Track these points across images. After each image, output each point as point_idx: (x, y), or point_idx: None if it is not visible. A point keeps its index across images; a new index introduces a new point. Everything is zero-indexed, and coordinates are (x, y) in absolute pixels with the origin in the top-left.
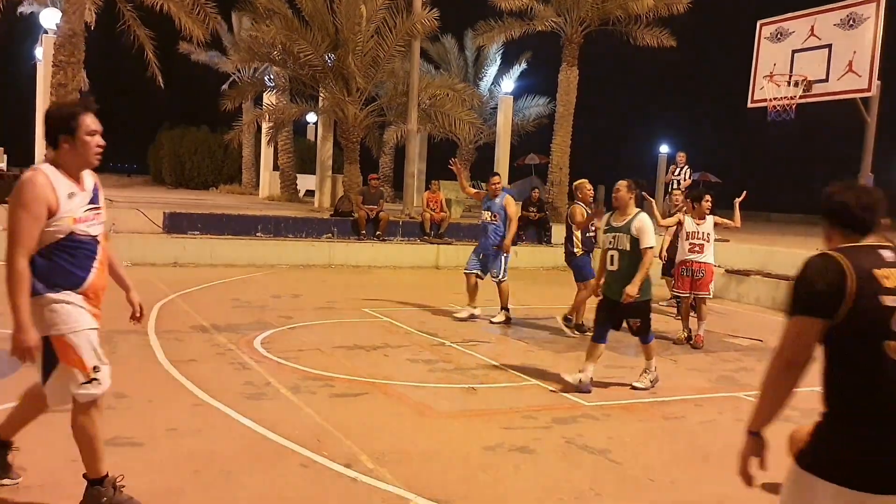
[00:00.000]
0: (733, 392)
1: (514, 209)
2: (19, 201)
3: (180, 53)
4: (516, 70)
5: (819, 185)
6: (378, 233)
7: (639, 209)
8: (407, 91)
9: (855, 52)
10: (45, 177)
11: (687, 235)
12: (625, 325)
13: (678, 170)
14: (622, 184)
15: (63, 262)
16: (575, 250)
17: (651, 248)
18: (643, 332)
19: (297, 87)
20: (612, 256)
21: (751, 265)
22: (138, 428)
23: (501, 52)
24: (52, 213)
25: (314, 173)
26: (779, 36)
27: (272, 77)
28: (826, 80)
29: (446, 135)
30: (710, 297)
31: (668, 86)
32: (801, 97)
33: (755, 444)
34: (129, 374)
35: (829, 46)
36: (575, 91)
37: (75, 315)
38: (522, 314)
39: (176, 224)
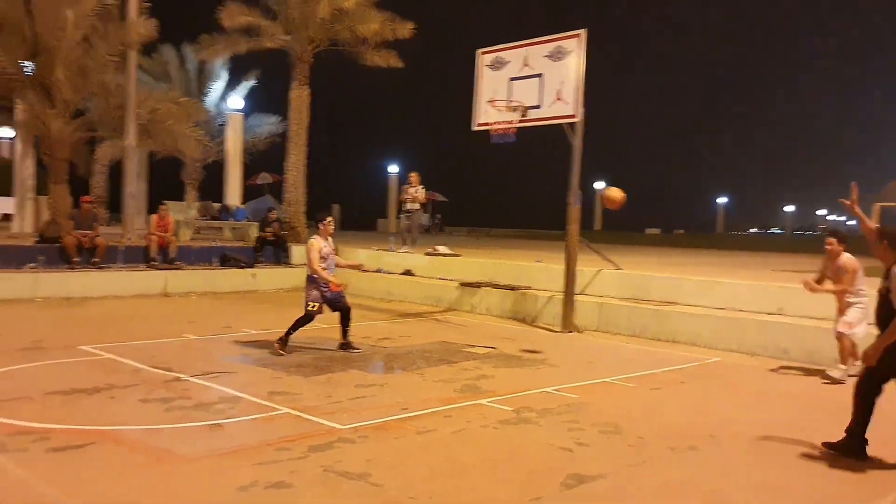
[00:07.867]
0: (477, 400)
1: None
2: None
3: None
4: (246, 86)
5: (535, 204)
6: (95, 259)
7: None
8: (123, 104)
9: (563, 81)
10: None
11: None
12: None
13: (411, 189)
14: None
15: None
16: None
17: None
18: None
19: None
20: None
21: (480, 278)
22: None
23: (228, 67)
24: None
25: (11, 195)
26: (497, 65)
27: None
28: (539, 106)
29: (170, 152)
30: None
31: (401, 107)
32: (519, 122)
33: None
34: None
35: (541, 76)
36: (308, 110)
37: None
38: (263, 338)
39: None
